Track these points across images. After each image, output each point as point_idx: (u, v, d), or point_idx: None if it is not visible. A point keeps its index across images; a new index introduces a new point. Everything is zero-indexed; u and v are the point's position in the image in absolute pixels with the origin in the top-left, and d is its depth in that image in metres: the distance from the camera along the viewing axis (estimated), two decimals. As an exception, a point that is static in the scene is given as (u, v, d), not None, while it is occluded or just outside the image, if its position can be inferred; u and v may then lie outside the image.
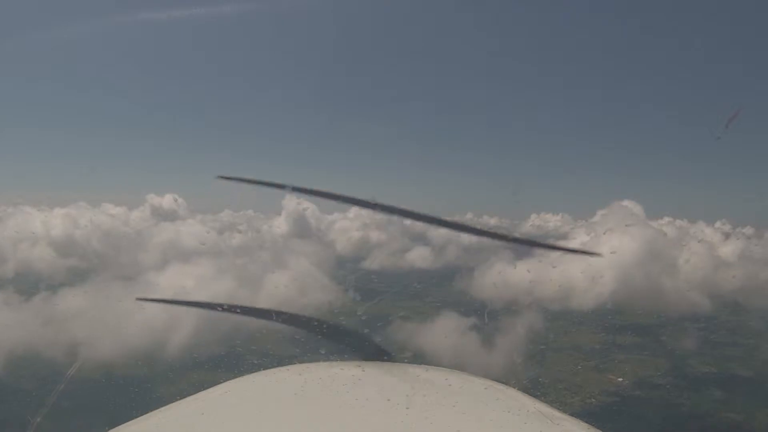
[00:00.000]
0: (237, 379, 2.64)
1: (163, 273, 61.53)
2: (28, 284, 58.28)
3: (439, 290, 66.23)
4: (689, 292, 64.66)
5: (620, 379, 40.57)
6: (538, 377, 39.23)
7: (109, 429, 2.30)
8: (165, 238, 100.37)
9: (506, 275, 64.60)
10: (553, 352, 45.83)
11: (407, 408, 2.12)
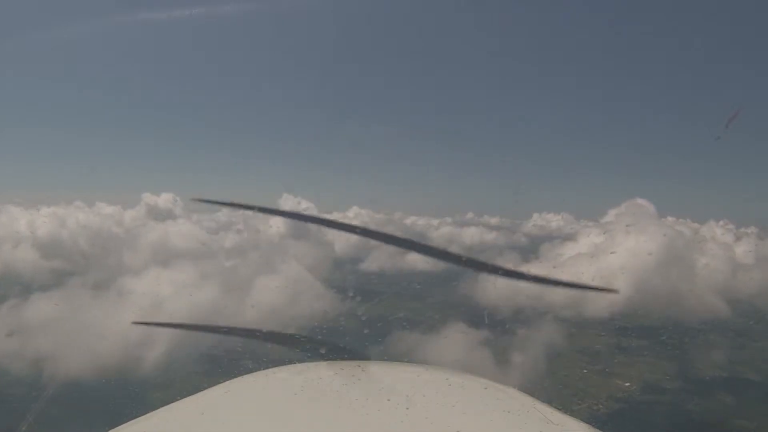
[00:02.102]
0: (237, 379, 2.71)
1: (145, 276, 60.55)
2: (8, 287, 58.12)
3: (440, 292, 66.23)
4: (701, 295, 64.53)
5: (627, 384, 40.56)
6: (542, 382, 39.28)
7: (108, 429, 2.37)
8: (153, 239, 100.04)
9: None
10: (558, 356, 45.86)
11: (407, 408, 2.19)
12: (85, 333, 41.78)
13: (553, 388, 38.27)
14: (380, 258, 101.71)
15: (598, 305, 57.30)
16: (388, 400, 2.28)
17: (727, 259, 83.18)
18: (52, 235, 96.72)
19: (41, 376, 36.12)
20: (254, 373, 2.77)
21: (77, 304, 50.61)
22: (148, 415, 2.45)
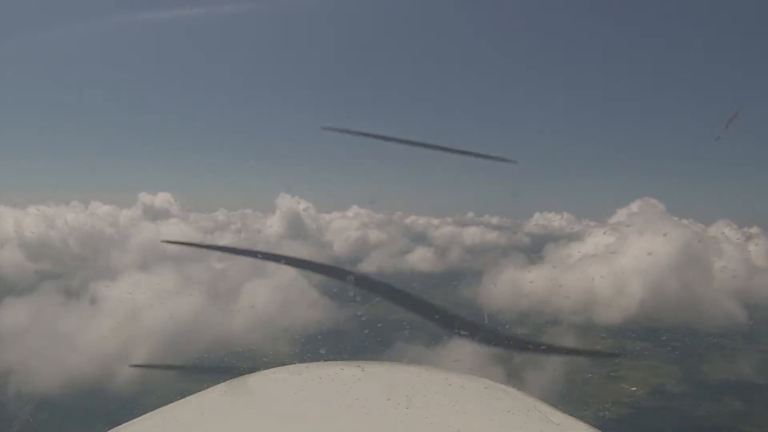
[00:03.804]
0: (237, 379, 2.77)
1: (129, 279, 59.43)
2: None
3: (440, 293, 66.27)
4: (716, 298, 64.14)
5: (633, 388, 40.61)
6: (546, 385, 39.26)
7: (108, 429, 2.44)
8: (144, 240, 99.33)
9: (517, 281, 64.35)
10: (562, 360, 45.87)
11: (407, 408, 2.25)
12: (62, 338, 41.66)
13: (556, 392, 38.29)
14: (379, 258, 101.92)
15: (609, 310, 57.22)
16: (388, 400, 2.34)
17: (742, 260, 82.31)
18: (40, 236, 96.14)
19: (17, 381, 36.01)
20: (254, 373, 2.83)
21: (54, 309, 50.20)
22: (147, 415, 2.51)
